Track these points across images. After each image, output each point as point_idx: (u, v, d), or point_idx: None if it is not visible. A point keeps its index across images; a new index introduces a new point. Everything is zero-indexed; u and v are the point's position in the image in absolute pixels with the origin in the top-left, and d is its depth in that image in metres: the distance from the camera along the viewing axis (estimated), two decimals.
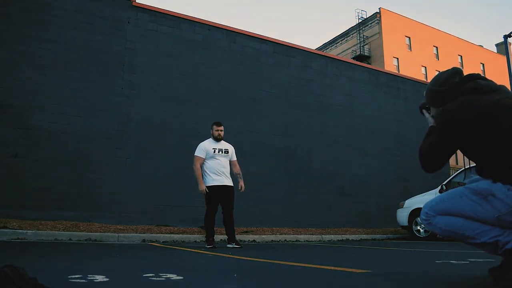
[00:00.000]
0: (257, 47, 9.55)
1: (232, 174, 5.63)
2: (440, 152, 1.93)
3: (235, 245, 5.31)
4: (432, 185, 9.12)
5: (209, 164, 5.45)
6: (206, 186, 5.35)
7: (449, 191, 1.98)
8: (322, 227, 9.05)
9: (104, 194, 7.20)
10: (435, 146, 1.93)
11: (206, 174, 5.44)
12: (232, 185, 5.52)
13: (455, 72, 2.02)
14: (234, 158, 5.70)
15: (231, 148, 5.68)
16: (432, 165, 1.97)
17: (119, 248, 4.77)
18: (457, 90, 1.95)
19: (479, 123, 1.79)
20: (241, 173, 5.67)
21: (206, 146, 5.51)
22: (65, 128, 7.11)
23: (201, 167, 5.48)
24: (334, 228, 9.26)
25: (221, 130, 5.59)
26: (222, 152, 5.52)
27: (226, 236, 5.57)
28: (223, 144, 5.61)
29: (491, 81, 1.96)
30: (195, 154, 5.50)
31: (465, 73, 2.03)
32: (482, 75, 2.03)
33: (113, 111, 7.60)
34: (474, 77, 1.97)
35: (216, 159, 5.45)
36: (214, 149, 5.47)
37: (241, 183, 5.58)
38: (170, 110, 8.15)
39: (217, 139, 5.57)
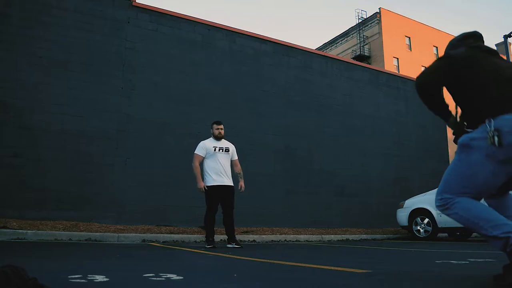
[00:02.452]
0: (257, 47, 9.55)
1: (233, 173, 5.63)
2: (434, 72, 2.04)
3: (235, 245, 5.31)
4: (432, 185, 9.13)
5: (209, 163, 5.44)
6: (207, 186, 5.35)
7: (447, 170, 2.05)
8: (322, 227, 9.05)
9: (104, 194, 7.20)
10: (431, 66, 2.07)
11: (206, 173, 5.43)
12: (233, 185, 5.52)
13: (473, 34, 2.23)
14: (235, 158, 5.70)
15: (231, 147, 5.67)
16: (426, 81, 2.05)
17: (119, 248, 4.77)
18: (466, 44, 2.13)
19: (466, 66, 1.99)
20: (241, 173, 5.67)
21: (206, 145, 5.50)
22: (65, 128, 7.11)
23: (202, 166, 5.47)
24: (334, 228, 9.26)
25: (221, 129, 5.58)
26: (222, 151, 5.51)
27: (226, 236, 5.57)
28: (224, 143, 5.61)
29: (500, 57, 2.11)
30: (195, 152, 5.51)
31: None
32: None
33: (113, 111, 7.60)
34: (489, 49, 2.10)
35: (217, 157, 5.44)
36: (215, 147, 5.47)
37: (241, 183, 5.58)
38: (170, 110, 8.15)
39: (218, 138, 5.56)
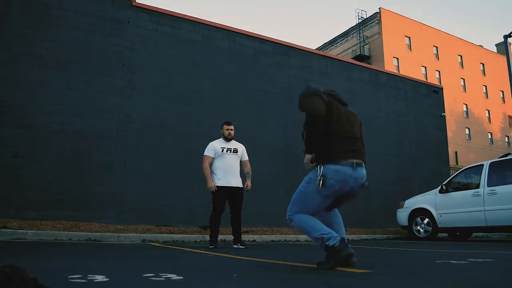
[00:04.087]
0: (257, 47, 9.55)
1: (242, 174, 5.61)
2: (312, 134, 2.65)
3: (240, 245, 5.31)
4: (432, 185, 9.13)
5: (216, 164, 5.41)
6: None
7: (296, 192, 2.79)
8: None
9: (104, 194, 7.20)
10: (308, 132, 2.67)
11: (213, 174, 5.40)
12: (241, 186, 5.48)
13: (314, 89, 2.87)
14: (245, 158, 5.66)
15: (241, 148, 5.63)
16: (313, 143, 2.68)
17: (119, 248, 4.77)
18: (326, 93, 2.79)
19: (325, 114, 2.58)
20: (250, 173, 5.64)
21: (214, 146, 5.47)
22: (65, 128, 7.11)
23: (210, 166, 5.45)
24: None
25: (231, 129, 5.53)
26: (230, 152, 5.47)
27: (226, 236, 5.57)
28: (233, 144, 5.57)
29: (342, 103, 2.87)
30: (204, 154, 5.46)
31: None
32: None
33: (113, 111, 7.60)
34: (333, 94, 2.89)
35: (225, 158, 5.41)
36: (223, 148, 5.43)
37: (248, 182, 5.55)
38: (170, 110, 8.14)
39: (227, 139, 5.51)
